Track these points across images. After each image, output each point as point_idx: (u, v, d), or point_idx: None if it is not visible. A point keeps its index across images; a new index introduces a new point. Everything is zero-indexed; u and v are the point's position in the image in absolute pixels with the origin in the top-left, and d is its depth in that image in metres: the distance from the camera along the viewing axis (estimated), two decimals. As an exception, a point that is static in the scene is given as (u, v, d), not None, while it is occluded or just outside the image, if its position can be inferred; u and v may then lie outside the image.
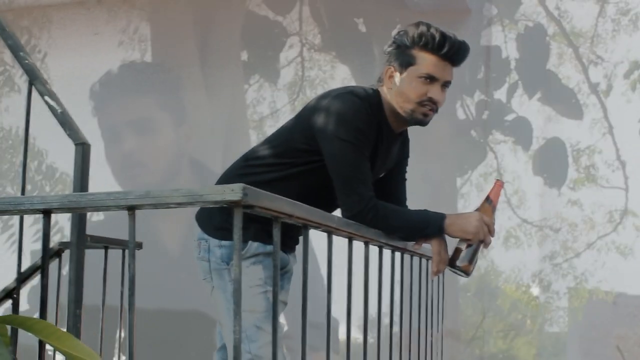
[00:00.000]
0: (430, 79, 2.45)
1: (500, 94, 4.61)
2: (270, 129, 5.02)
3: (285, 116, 4.98)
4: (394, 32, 2.54)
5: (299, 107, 4.82)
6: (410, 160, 4.54)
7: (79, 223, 2.10)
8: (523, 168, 4.61)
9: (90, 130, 5.19)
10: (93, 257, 2.42)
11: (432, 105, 2.47)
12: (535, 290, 4.53)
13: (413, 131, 4.59)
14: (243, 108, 5.31)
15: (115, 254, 2.80)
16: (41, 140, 5.06)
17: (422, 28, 2.45)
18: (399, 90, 2.47)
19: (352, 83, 4.81)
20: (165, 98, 5.31)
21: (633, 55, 4.49)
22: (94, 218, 5.10)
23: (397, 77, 2.48)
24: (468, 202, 4.62)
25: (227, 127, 5.26)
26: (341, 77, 4.95)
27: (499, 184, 2.54)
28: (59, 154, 5.29)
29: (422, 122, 2.52)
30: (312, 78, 5.12)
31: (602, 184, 4.48)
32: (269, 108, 5.27)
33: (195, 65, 5.28)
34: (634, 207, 4.39)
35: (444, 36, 2.44)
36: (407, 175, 4.27)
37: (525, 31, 4.65)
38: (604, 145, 4.48)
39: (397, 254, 2.57)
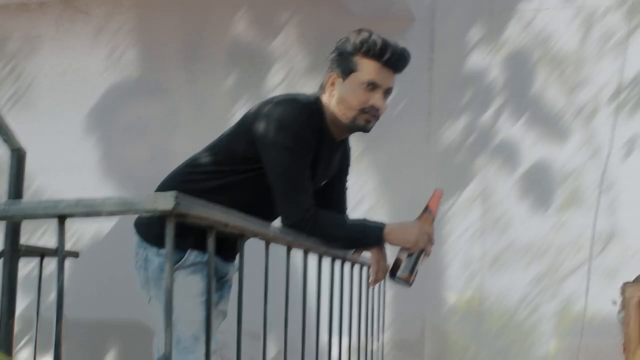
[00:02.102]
0: (372, 85, 2.44)
1: (486, 118, 4.65)
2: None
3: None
4: (336, 45, 2.54)
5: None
6: (395, 186, 4.65)
7: (12, 232, 2.10)
8: (509, 192, 4.61)
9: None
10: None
11: (374, 112, 2.46)
12: (522, 314, 4.52)
13: (398, 157, 4.67)
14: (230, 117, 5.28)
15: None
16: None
17: (364, 35, 2.45)
18: (340, 97, 2.46)
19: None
20: (148, 122, 5.25)
21: (618, 79, 4.51)
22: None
23: (339, 84, 2.47)
24: (454, 226, 4.66)
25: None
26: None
27: (438, 193, 2.51)
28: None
29: (364, 129, 2.50)
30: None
31: (588, 207, 4.46)
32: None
33: (181, 90, 5.22)
34: (621, 230, 4.41)
35: (385, 43, 2.43)
36: (392, 202, 4.26)
37: (510, 55, 4.69)
38: (590, 168, 4.49)
39: (337, 263, 2.53)
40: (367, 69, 2.43)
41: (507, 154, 4.65)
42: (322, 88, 2.53)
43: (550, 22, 4.64)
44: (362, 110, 2.45)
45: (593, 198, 4.49)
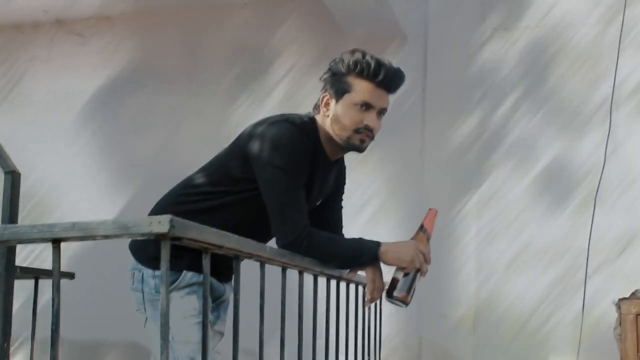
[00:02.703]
0: (366, 106, 2.44)
1: (500, 114, 4.51)
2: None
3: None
4: (330, 64, 2.53)
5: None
6: (406, 186, 4.56)
7: (8, 254, 2.09)
8: (524, 192, 4.43)
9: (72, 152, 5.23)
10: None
11: (368, 132, 2.46)
12: (536, 320, 4.32)
13: (408, 154, 4.61)
14: (230, 130, 5.27)
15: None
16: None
17: (357, 55, 2.44)
18: (334, 117, 2.46)
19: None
20: (150, 120, 5.25)
21: (638, 74, 4.34)
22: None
23: (333, 104, 2.47)
24: (466, 228, 4.46)
25: (214, 150, 5.23)
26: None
27: (433, 212, 2.50)
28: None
29: (359, 149, 2.51)
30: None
31: (608, 208, 4.26)
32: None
33: (182, 86, 5.22)
34: (642, 232, 4.22)
35: (379, 63, 2.43)
36: (402, 202, 4.22)
37: (527, 49, 4.54)
38: (610, 167, 4.28)
39: (333, 282, 2.53)
40: (360, 89, 2.43)
41: (522, 153, 4.48)
42: (317, 108, 2.53)
43: (561, 16, 4.52)
44: (356, 131, 2.45)
45: (613, 198, 4.30)
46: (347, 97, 2.44)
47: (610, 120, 4.34)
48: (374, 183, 4.73)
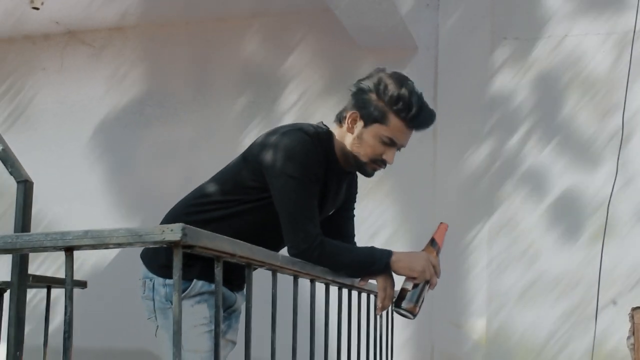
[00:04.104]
0: (391, 142, 2.44)
1: (513, 143, 4.47)
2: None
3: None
4: (372, 79, 2.48)
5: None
6: (418, 215, 4.57)
7: (21, 262, 2.10)
8: (537, 221, 4.38)
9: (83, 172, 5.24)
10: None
11: (383, 165, 2.49)
12: (549, 352, 4.26)
13: (420, 183, 4.58)
14: (239, 138, 5.21)
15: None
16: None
17: (404, 92, 2.40)
18: (357, 138, 2.46)
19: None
20: (160, 145, 5.24)
21: None
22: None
23: (360, 126, 2.45)
24: (478, 257, 4.43)
25: (224, 159, 5.20)
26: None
27: (444, 226, 2.50)
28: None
29: (368, 175, 2.54)
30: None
31: (621, 238, 4.22)
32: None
33: (192, 112, 5.22)
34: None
35: (420, 108, 2.41)
36: (413, 230, 4.20)
37: (539, 77, 4.49)
38: (623, 197, 4.24)
39: (345, 291, 2.53)
40: (393, 126, 2.42)
41: (535, 182, 4.44)
42: (340, 120, 2.52)
43: (573, 48, 4.49)
44: (373, 161, 2.47)
45: (627, 229, 4.27)
46: (376, 127, 2.43)
47: (619, 152, 4.31)
48: (386, 212, 4.72)
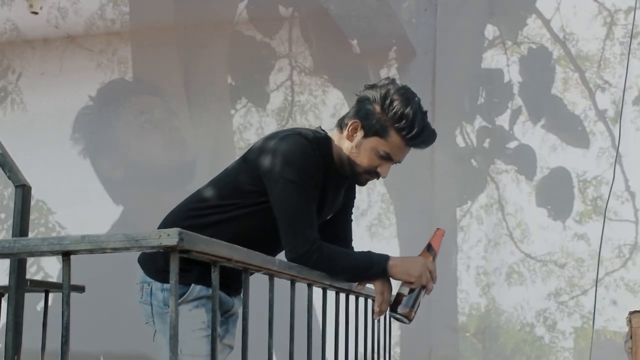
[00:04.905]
0: (388, 157, 2.45)
1: (503, 121, 4.43)
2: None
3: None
4: (379, 90, 2.47)
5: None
6: (409, 190, 4.53)
7: (19, 267, 2.10)
8: (526, 199, 4.34)
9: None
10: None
11: (376, 177, 2.51)
12: (539, 330, 4.26)
13: (413, 160, 4.50)
14: (229, 134, 5.19)
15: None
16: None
17: (408, 112, 2.39)
18: (356, 148, 2.46)
19: (345, 108, 4.66)
20: (145, 122, 5.24)
21: None
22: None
23: (360, 135, 2.45)
24: (468, 234, 4.38)
25: (211, 154, 5.10)
26: (333, 101, 4.81)
27: (440, 232, 2.51)
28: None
29: (360, 184, 2.58)
30: (303, 103, 4.98)
31: (610, 217, 4.15)
32: (256, 134, 5.03)
33: (179, 88, 5.21)
34: (645, 242, 4.14)
35: (422, 129, 2.41)
36: (405, 206, 4.20)
37: (529, 54, 4.45)
38: (612, 175, 4.15)
39: (342, 295, 2.54)
40: (392, 142, 2.43)
41: (524, 160, 4.40)
42: (341, 126, 2.52)
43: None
44: (367, 172, 2.49)
45: (616, 207, 4.22)
46: (376, 140, 2.43)
47: (620, 128, 4.24)
48: (384, 196, 4.72)
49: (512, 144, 4.45)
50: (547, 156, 4.38)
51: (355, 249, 2.67)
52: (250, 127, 5.10)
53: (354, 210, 2.80)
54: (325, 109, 4.88)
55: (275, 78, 5.05)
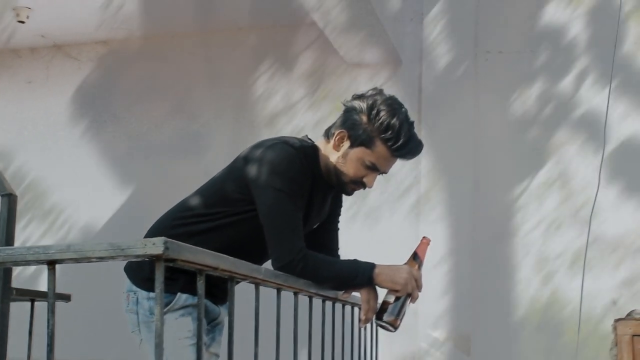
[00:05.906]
0: (374, 167, 2.45)
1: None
2: (285, 126, 4.73)
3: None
4: (366, 100, 2.45)
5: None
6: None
7: (4, 276, 2.10)
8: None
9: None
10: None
11: (361, 187, 2.50)
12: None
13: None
14: (252, 102, 4.99)
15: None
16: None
17: (395, 122, 2.39)
18: (342, 158, 2.47)
19: (383, 72, 4.62)
20: (160, 89, 5.17)
21: None
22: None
23: (347, 145, 2.46)
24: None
25: (233, 124, 4.99)
26: (371, 64, 4.53)
27: (426, 241, 2.51)
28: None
29: (347, 194, 2.58)
30: (335, 66, 4.71)
31: None
32: (282, 102, 4.91)
33: (196, 47, 5.07)
34: None
35: (408, 140, 2.41)
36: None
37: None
38: None
39: (328, 304, 2.54)
40: (378, 153, 2.42)
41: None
42: (328, 135, 2.52)
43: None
44: (353, 182, 2.49)
45: None
46: (362, 150, 2.43)
47: None
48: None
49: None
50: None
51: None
52: (276, 93, 4.91)
53: (342, 211, 2.80)
54: (361, 72, 4.71)
55: (304, 37, 4.90)
